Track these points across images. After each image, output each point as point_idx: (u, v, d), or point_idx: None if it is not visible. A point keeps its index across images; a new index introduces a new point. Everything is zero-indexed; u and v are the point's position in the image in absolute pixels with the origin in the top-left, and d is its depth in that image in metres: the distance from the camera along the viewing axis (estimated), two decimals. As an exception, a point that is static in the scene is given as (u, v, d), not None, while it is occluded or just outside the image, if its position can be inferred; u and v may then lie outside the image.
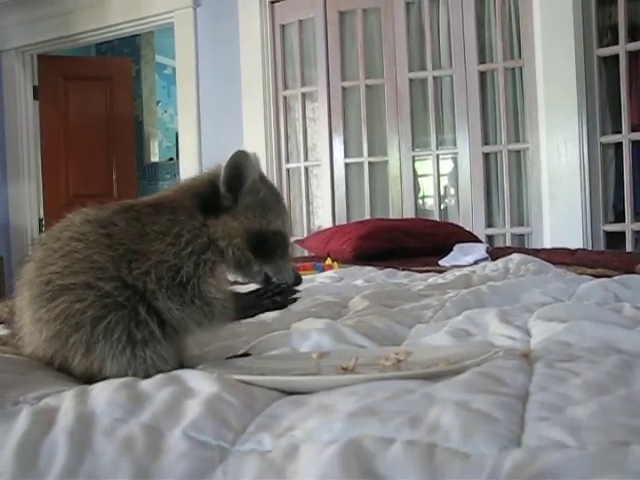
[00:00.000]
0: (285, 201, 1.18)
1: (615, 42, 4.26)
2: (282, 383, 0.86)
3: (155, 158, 8.02)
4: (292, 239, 4.52)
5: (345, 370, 0.95)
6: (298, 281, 1.15)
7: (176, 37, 5.44)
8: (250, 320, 1.50)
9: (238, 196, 1.08)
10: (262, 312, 1.14)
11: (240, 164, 1.07)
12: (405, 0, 4.75)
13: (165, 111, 8.53)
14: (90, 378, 0.95)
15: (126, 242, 1.01)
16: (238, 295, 1.10)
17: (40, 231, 6.10)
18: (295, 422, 0.72)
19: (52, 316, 0.98)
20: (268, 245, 1.09)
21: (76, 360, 0.98)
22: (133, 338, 0.98)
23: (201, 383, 0.83)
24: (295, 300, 1.15)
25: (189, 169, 4.92)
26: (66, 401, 0.80)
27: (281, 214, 1.13)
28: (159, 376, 0.88)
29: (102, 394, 0.80)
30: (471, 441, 0.62)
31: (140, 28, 5.87)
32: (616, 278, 1.76)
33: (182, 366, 1.02)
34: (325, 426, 0.68)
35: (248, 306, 1.10)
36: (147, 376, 0.90)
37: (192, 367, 0.98)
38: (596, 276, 2.02)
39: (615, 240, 4.30)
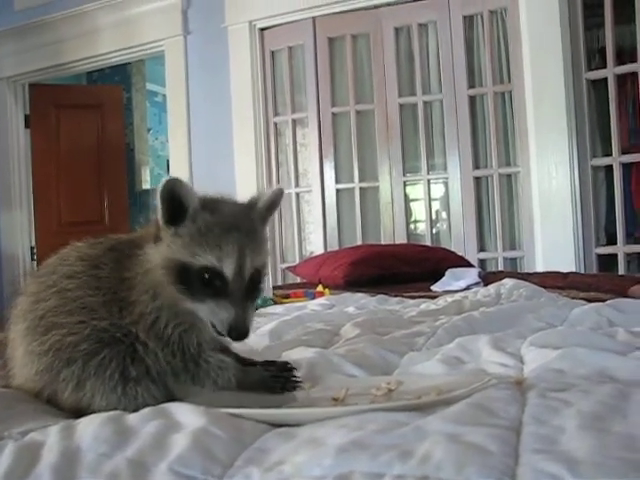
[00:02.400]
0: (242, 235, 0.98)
1: (603, 65, 4.29)
2: (271, 416, 0.84)
3: (146, 185, 7.99)
4: (283, 265, 4.44)
5: (336, 401, 0.93)
6: (240, 333, 0.95)
7: (167, 65, 5.45)
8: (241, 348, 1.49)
9: (179, 226, 0.97)
10: (266, 392, 1.01)
11: (174, 192, 0.96)
12: (394, 25, 4.78)
13: (156, 138, 8.54)
14: (79, 412, 0.93)
15: (112, 287, 0.99)
16: (244, 369, 1.02)
17: (32, 259, 6.07)
18: (284, 456, 0.70)
19: (44, 349, 0.97)
20: (191, 281, 0.95)
21: (66, 394, 0.97)
22: (127, 375, 0.96)
23: (188, 416, 0.81)
24: (295, 387, 1.02)
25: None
26: (51, 436, 0.78)
27: (220, 248, 0.95)
28: (146, 410, 0.86)
29: (88, 429, 0.79)
30: (464, 473, 0.61)
31: (131, 56, 5.87)
32: (609, 302, 1.76)
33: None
34: (314, 461, 0.67)
35: (253, 383, 1.01)
36: (135, 412, 0.88)
37: (180, 399, 0.96)
38: (589, 300, 2.02)
39: (607, 263, 4.30)
